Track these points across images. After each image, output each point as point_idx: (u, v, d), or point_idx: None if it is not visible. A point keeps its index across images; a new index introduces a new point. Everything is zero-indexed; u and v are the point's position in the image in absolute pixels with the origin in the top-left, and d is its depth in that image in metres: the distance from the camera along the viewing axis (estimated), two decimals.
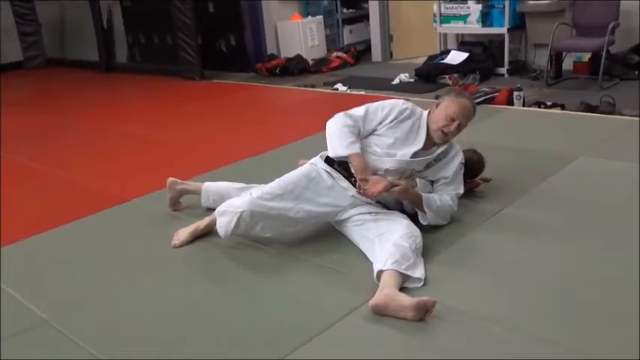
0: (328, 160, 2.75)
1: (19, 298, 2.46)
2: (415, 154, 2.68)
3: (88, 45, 9.00)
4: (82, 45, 9.33)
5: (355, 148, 2.61)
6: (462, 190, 2.79)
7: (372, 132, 2.71)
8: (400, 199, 2.67)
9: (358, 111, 2.72)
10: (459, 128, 2.68)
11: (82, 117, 6.05)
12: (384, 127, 2.70)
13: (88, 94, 7.40)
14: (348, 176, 2.69)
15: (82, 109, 6.43)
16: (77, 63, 9.46)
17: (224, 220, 2.62)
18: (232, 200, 2.68)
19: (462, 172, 2.81)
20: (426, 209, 2.63)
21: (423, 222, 2.63)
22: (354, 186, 2.66)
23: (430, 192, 2.75)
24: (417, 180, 2.73)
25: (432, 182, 2.80)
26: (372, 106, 2.74)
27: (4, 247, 2.96)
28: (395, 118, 2.69)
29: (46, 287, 2.57)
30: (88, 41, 8.95)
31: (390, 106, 2.73)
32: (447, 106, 2.68)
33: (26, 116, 6.32)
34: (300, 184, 2.64)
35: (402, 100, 2.79)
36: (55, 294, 2.50)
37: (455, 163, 2.77)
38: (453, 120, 2.65)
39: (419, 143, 2.69)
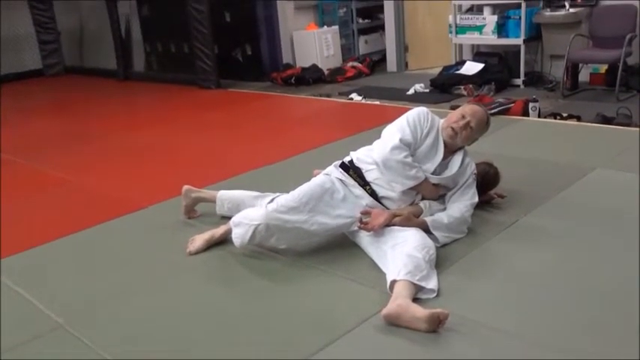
0: (343, 166, 2.78)
1: (36, 303, 2.49)
2: (435, 169, 2.71)
3: (106, 53, 9.10)
4: (101, 53, 9.44)
5: (421, 176, 2.66)
6: (476, 200, 2.79)
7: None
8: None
9: (405, 135, 2.67)
10: (468, 128, 2.71)
11: (99, 125, 6.11)
12: (420, 142, 2.73)
13: (105, 103, 7.48)
14: (364, 184, 2.71)
15: (99, 118, 6.50)
16: (95, 71, 9.57)
17: (239, 232, 2.64)
18: (248, 211, 2.70)
19: (475, 182, 2.81)
20: (433, 232, 2.63)
21: (436, 244, 2.59)
22: (369, 194, 2.69)
23: (441, 210, 2.74)
24: (422, 204, 2.73)
25: (444, 195, 2.81)
26: (411, 126, 2.70)
27: (22, 253, 3.00)
28: (423, 132, 2.72)
29: (62, 292, 2.59)
30: (106, 50, 9.06)
31: (418, 118, 2.73)
32: (461, 108, 2.82)
33: (45, 124, 6.41)
34: (315, 196, 2.65)
35: (423, 110, 2.79)
36: (71, 299, 2.53)
37: (469, 169, 2.79)
38: (463, 117, 2.71)
39: (439, 156, 2.72)
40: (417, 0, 7.46)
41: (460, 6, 6.54)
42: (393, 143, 2.64)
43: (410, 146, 2.67)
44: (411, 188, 2.68)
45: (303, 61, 7.65)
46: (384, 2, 7.57)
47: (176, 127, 5.69)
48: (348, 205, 2.68)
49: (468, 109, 2.77)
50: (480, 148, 2.99)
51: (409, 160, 2.64)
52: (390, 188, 2.69)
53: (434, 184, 2.72)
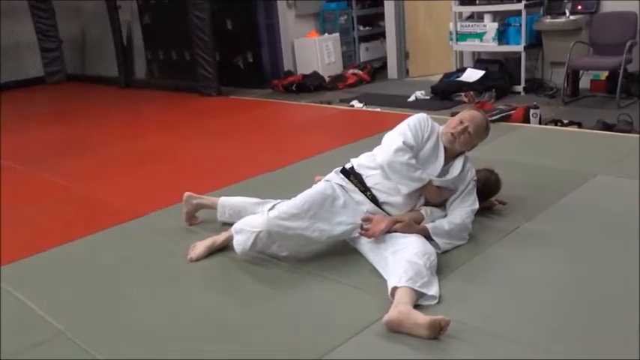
0: (344, 172, 2.78)
1: (37, 310, 2.49)
2: (438, 173, 2.72)
3: (108, 61, 9.14)
4: (102, 61, 9.48)
5: (425, 178, 2.67)
6: (477, 206, 2.79)
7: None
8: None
9: (408, 139, 2.69)
10: (466, 133, 2.71)
11: (100, 132, 6.12)
12: (421, 145, 2.74)
13: (107, 110, 7.48)
14: (364, 190, 2.71)
15: (100, 125, 6.51)
16: (97, 79, 9.60)
17: (241, 239, 2.64)
18: (249, 219, 2.70)
19: (476, 188, 2.81)
20: (434, 238, 2.63)
21: (437, 250, 2.59)
22: (370, 199, 2.70)
23: (442, 216, 2.75)
24: (423, 211, 2.74)
25: (446, 201, 2.81)
26: (412, 130, 2.72)
27: (24, 260, 3.00)
28: (424, 136, 2.74)
29: (63, 299, 2.59)
30: (108, 57, 9.09)
31: (419, 122, 2.75)
32: (460, 113, 2.82)
33: (46, 131, 6.42)
34: (316, 202, 2.65)
35: (423, 116, 2.81)
36: (72, 306, 2.53)
37: (469, 175, 2.80)
38: (461, 122, 2.72)
39: (440, 161, 2.74)
40: (418, 2, 7.49)
41: (461, 13, 6.56)
42: (396, 145, 2.65)
43: (412, 149, 2.68)
44: (416, 191, 2.69)
45: (304, 69, 7.67)
46: (385, 10, 7.61)
47: (177, 134, 5.70)
48: (348, 212, 2.68)
49: (466, 115, 2.78)
50: (480, 155, 3.00)
51: (413, 162, 2.65)
52: (391, 194, 2.69)
53: (438, 187, 2.73)
